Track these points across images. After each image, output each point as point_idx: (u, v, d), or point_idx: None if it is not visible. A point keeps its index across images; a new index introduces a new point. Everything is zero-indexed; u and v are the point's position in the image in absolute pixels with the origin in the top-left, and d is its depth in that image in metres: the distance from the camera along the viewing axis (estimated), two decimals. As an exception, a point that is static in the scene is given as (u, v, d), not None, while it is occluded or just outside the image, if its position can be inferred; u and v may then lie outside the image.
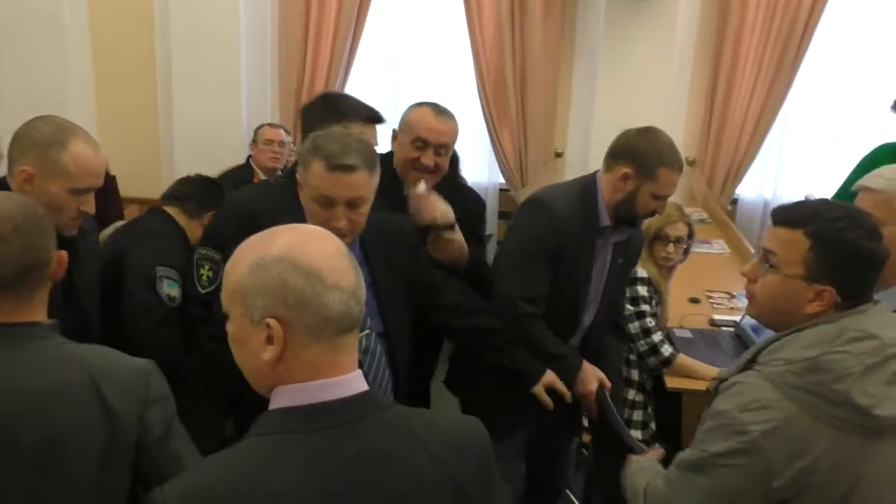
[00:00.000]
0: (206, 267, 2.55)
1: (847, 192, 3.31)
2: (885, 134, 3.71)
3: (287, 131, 4.70)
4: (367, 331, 2.21)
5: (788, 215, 1.77)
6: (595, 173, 2.78)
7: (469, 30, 5.14)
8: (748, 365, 1.74)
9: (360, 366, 1.39)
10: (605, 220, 2.70)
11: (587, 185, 2.79)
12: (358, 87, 5.32)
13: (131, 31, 5.01)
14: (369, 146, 2.23)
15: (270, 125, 4.66)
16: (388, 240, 2.41)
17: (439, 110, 2.90)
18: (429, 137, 2.81)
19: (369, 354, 2.24)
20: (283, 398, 1.28)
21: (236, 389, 2.23)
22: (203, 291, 2.54)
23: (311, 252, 1.28)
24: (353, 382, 1.31)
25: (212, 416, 2.29)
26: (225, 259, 2.10)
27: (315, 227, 1.39)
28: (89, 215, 2.31)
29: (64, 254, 1.75)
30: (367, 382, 1.34)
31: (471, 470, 1.37)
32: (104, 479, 1.63)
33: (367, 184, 2.18)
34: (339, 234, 1.88)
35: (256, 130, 4.61)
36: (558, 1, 5.15)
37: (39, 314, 1.70)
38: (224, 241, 2.40)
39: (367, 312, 2.10)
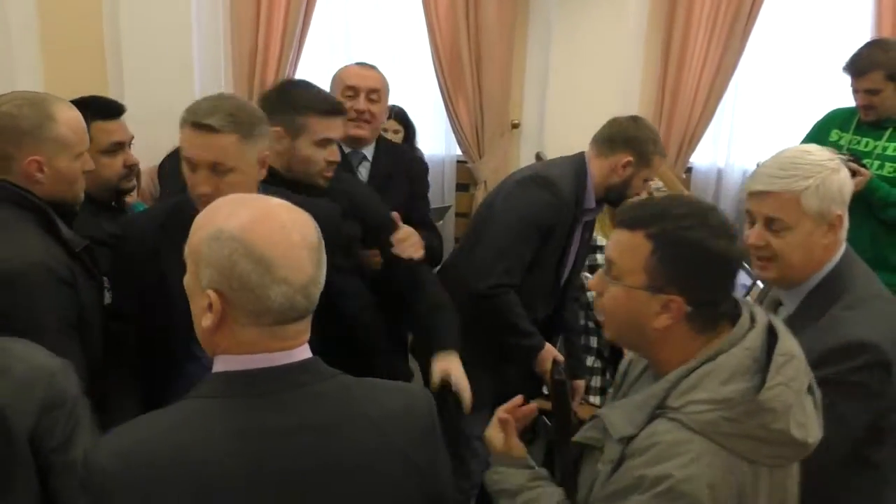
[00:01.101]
0: None
1: None
2: (835, 100, 3.78)
3: None
4: None
5: (631, 215, 1.58)
6: (583, 155, 2.92)
7: (423, 1, 5.09)
8: (656, 412, 1.50)
9: None
10: (592, 201, 2.90)
11: (579, 168, 2.94)
12: (312, 62, 5.27)
13: (79, 19, 4.87)
14: (248, 112, 2.11)
15: None
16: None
17: (363, 64, 3.05)
18: (357, 83, 2.91)
19: None
20: (223, 362, 1.29)
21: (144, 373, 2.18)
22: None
23: (270, 236, 1.25)
24: (296, 352, 1.31)
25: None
26: None
27: (290, 206, 1.33)
28: None
29: None
30: None
31: (416, 439, 1.36)
32: None
33: (233, 149, 2.05)
34: (204, 201, 1.86)
35: None
36: (511, -29, 5.12)
37: None
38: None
39: None
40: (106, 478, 1.19)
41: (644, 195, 3.17)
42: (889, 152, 3.43)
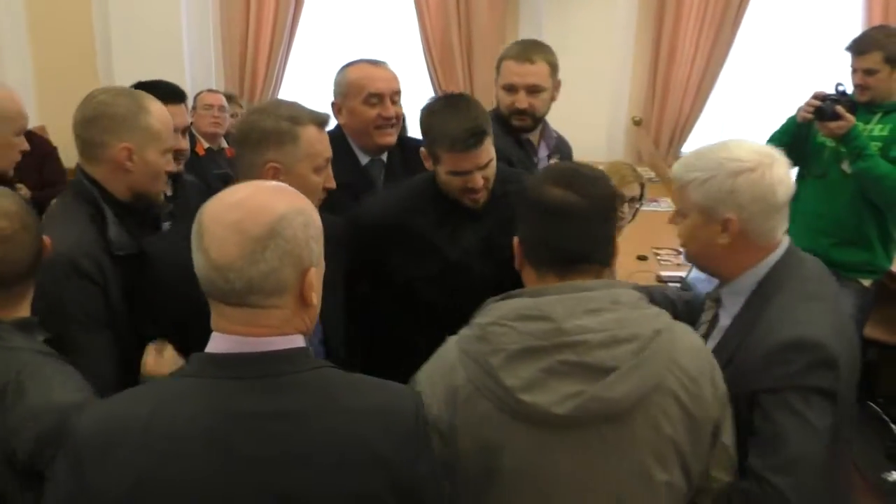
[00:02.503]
0: None
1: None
2: (826, 88, 3.83)
3: (229, 97, 4.69)
4: None
5: None
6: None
7: None
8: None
9: None
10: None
11: (495, 115, 2.98)
12: (303, 54, 5.35)
13: (69, 14, 4.96)
14: None
15: (209, 91, 4.67)
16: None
17: (374, 62, 2.85)
18: (382, 89, 2.75)
19: None
20: (212, 343, 1.32)
21: None
22: None
23: (215, 207, 1.31)
24: (278, 340, 1.32)
25: None
26: None
27: (274, 194, 1.35)
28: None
29: (48, 239, 1.73)
30: None
31: (391, 437, 1.34)
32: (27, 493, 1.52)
33: None
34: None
35: (196, 97, 4.61)
36: (502, -36, 5.23)
37: (25, 309, 1.66)
38: None
39: None
40: (79, 441, 1.25)
41: (626, 175, 3.07)
42: (875, 133, 3.57)
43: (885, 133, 3.52)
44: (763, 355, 1.81)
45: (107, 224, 2.08)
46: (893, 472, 3.78)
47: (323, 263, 1.41)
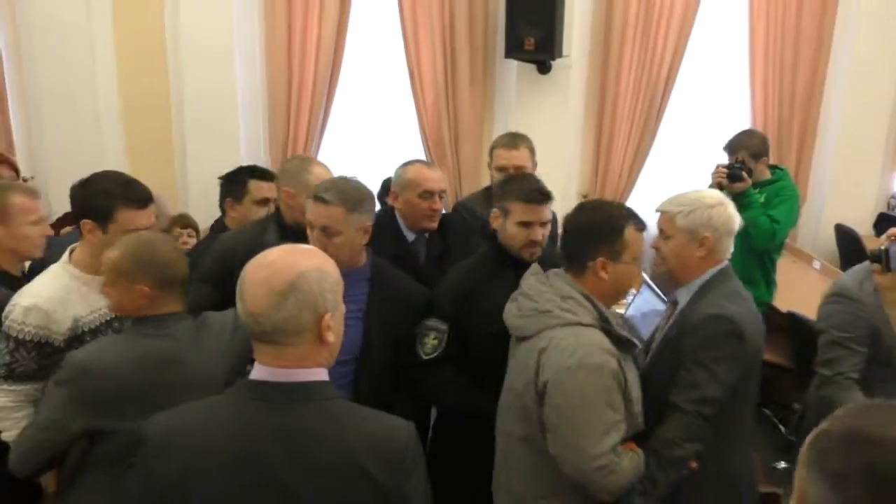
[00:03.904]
0: (432, 336, 2.55)
1: None
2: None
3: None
4: None
5: None
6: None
7: (413, 98, 5.79)
8: None
9: None
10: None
11: (488, 189, 3.40)
12: (331, 144, 5.87)
13: (154, 103, 5.55)
14: (355, 190, 2.40)
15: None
16: (398, 297, 2.53)
17: (427, 164, 3.25)
18: (433, 187, 3.09)
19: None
20: (253, 372, 1.46)
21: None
22: (425, 357, 2.54)
23: (252, 266, 1.43)
24: (304, 373, 1.43)
25: None
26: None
27: (305, 257, 1.47)
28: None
29: None
30: None
31: (386, 463, 1.41)
32: None
33: (340, 218, 2.34)
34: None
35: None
36: (480, 75, 5.81)
37: None
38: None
39: (348, 338, 1.84)
40: (148, 443, 1.43)
41: None
42: (761, 200, 4.21)
43: (761, 199, 4.25)
44: (693, 324, 2.22)
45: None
46: (782, 462, 4.31)
47: (342, 307, 1.52)
